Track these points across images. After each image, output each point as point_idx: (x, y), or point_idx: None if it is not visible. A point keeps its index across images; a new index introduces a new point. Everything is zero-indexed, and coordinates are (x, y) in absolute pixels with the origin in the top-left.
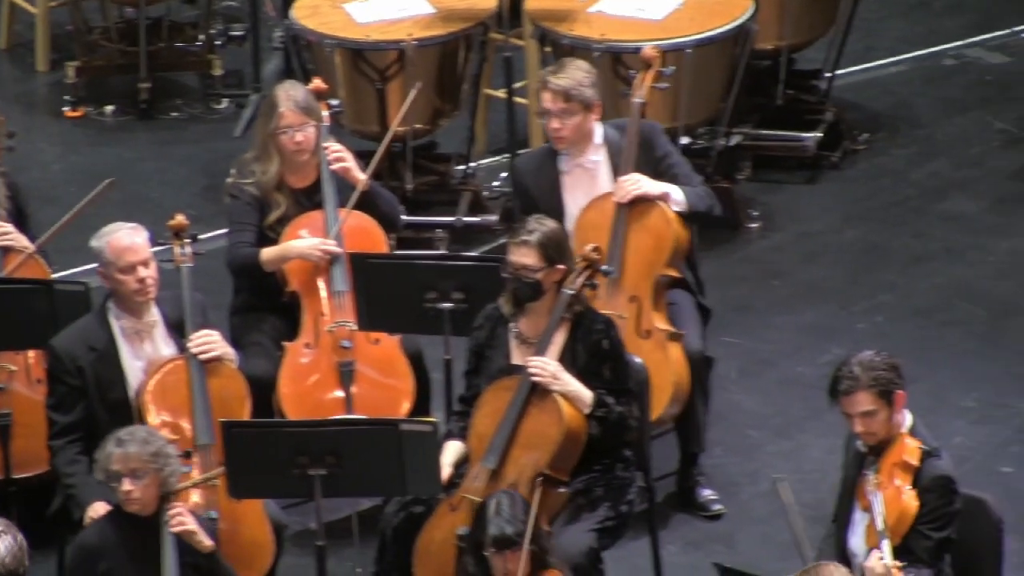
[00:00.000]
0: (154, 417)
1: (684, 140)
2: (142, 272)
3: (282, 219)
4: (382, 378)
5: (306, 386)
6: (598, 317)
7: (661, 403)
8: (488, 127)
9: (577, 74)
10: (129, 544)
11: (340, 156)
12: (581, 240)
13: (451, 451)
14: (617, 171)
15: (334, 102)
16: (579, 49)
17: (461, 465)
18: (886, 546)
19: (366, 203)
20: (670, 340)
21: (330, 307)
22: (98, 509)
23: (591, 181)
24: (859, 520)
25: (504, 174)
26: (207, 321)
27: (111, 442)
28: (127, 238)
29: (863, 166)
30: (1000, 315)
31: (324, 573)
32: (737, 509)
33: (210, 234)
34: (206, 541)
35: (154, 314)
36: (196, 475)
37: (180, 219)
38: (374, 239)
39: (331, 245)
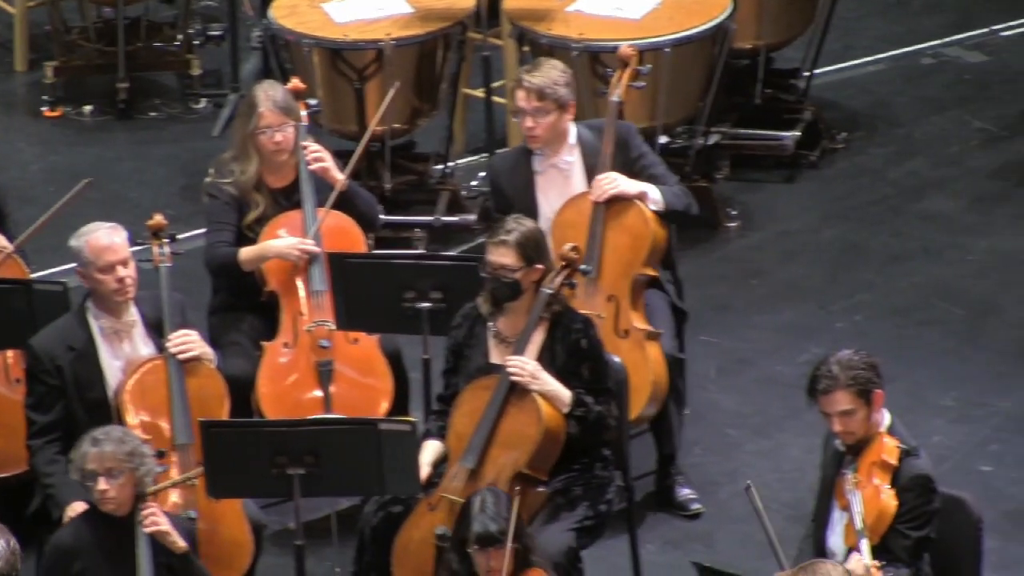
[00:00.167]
0: (133, 417)
1: (662, 139)
2: (121, 272)
3: (260, 219)
4: (361, 377)
5: (285, 386)
6: (577, 316)
7: (640, 402)
8: (466, 127)
9: (552, 73)
10: (104, 544)
11: (318, 156)
12: (559, 239)
13: (430, 450)
14: (591, 172)
15: (312, 102)
16: (557, 48)
17: (440, 464)
18: (865, 546)
19: (344, 203)
20: (648, 339)
21: (308, 307)
22: (77, 509)
23: (564, 181)
24: (838, 519)
25: (482, 173)
26: (186, 321)
27: (86, 441)
28: (106, 238)
29: (841, 165)
30: (978, 314)
31: (303, 572)
32: (716, 508)
33: (188, 234)
34: (179, 542)
35: (133, 314)
36: (173, 474)
37: (158, 219)
38: (352, 239)
39: (309, 245)
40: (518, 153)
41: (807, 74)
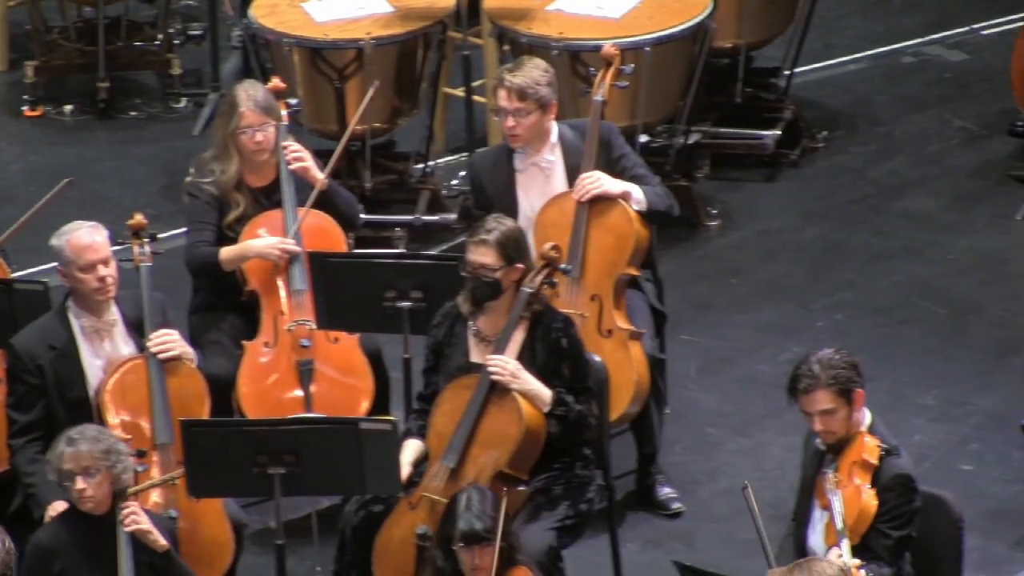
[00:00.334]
0: (113, 416)
1: (643, 138)
2: (102, 271)
3: (241, 218)
4: (341, 377)
5: (265, 385)
6: (557, 316)
7: (623, 402)
8: (447, 126)
9: (534, 73)
10: (83, 543)
11: (299, 155)
12: (541, 238)
13: (410, 450)
14: (572, 171)
15: (293, 101)
16: (538, 48)
17: (420, 464)
18: (845, 545)
19: (325, 202)
20: (631, 339)
21: (289, 306)
22: (58, 508)
23: (545, 180)
24: (818, 518)
25: (463, 172)
26: (166, 320)
27: (62, 442)
28: (87, 236)
29: (822, 164)
30: (959, 313)
31: (284, 572)
32: (697, 507)
33: (169, 233)
34: (161, 540)
35: (114, 313)
36: (154, 474)
37: (139, 218)
38: (333, 238)
39: (290, 244)
40: (499, 150)
41: (787, 73)
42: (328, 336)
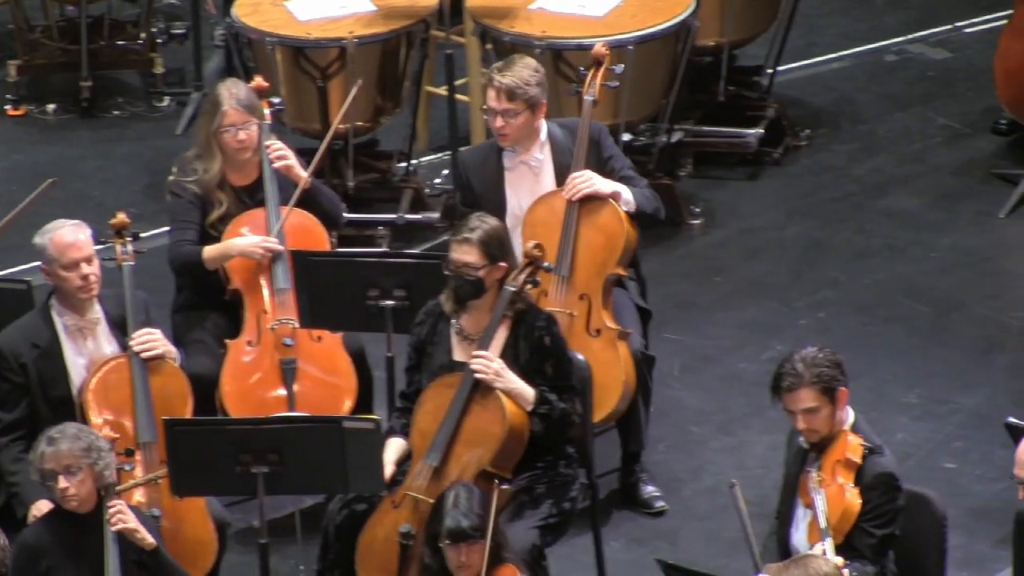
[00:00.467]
0: (96, 416)
1: (625, 137)
2: (85, 269)
3: (224, 217)
4: (324, 376)
5: (248, 384)
6: (540, 314)
7: (611, 401)
8: (429, 124)
9: (523, 72)
10: (69, 542)
11: (282, 154)
12: (529, 237)
13: (393, 448)
14: (561, 170)
15: (275, 100)
16: (520, 46)
17: (404, 462)
18: (828, 544)
19: (308, 201)
20: (619, 339)
21: (272, 305)
22: (41, 507)
23: (534, 179)
24: (802, 517)
25: (446, 171)
26: (149, 319)
27: (42, 442)
28: (70, 235)
29: (805, 162)
30: (942, 311)
31: (267, 571)
32: (680, 506)
33: (152, 232)
34: (148, 538)
35: (97, 311)
36: (138, 473)
37: (121, 217)
38: (316, 237)
39: (273, 243)
40: (488, 148)
41: (770, 71)
42: (311, 335)
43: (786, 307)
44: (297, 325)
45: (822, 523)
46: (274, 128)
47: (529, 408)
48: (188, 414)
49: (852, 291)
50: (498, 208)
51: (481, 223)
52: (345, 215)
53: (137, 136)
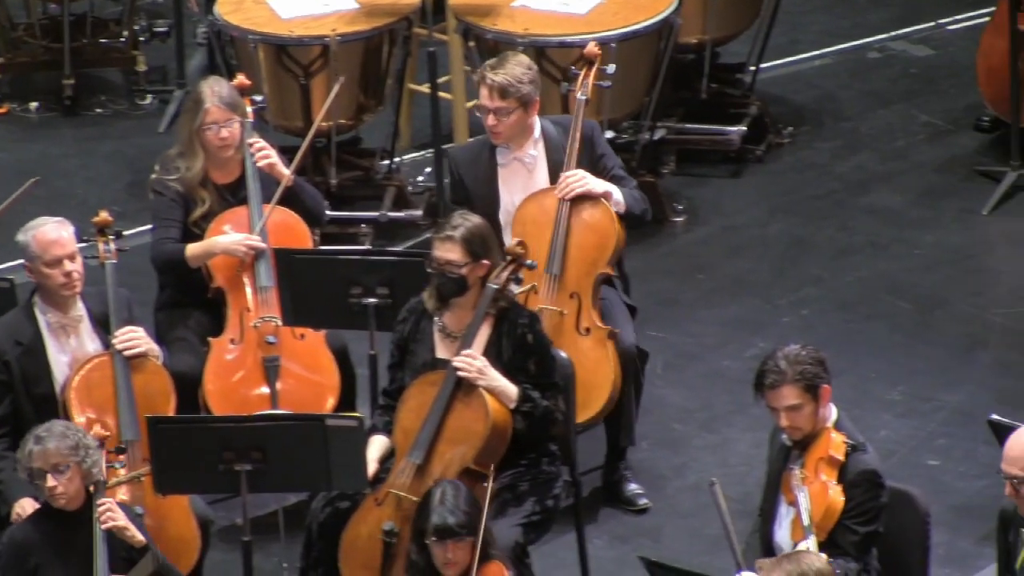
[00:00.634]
0: (79, 414)
1: (609, 134)
2: (68, 266)
3: (207, 215)
4: (307, 373)
5: (231, 382)
6: (522, 311)
7: (600, 400)
8: (412, 122)
9: (516, 70)
10: (58, 539)
11: (264, 152)
12: (519, 235)
13: (376, 446)
14: (554, 167)
15: (258, 98)
16: (503, 44)
17: (387, 460)
18: (812, 541)
19: (290, 198)
20: (608, 338)
21: (255, 302)
22: (25, 505)
23: (528, 175)
24: (785, 514)
25: (428, 169)
26: (132, 316)
27: (30, 440)
28: (53, 232)
29: (788, 159)
30: (925, 308)
31: (250, 568)
32: (663, 503)
33: (135, 230)
34: (138, 535)
35: (80, 309)
36: (120, 472)
37: (104, 216)
38: (298, 234)
39: (256, 241)
40: (480, 144)
41: (753, 69)
42: (294, 332)
43: (769, 304)
44: (280, 323)
45: (805, 520)
46: (256, 126)
47: (512, 406)
48: (171, 412)
49: (835, 288)
50: (491, 204)
51: (464, 221)
52: (328, 213)
53: (120, 134)
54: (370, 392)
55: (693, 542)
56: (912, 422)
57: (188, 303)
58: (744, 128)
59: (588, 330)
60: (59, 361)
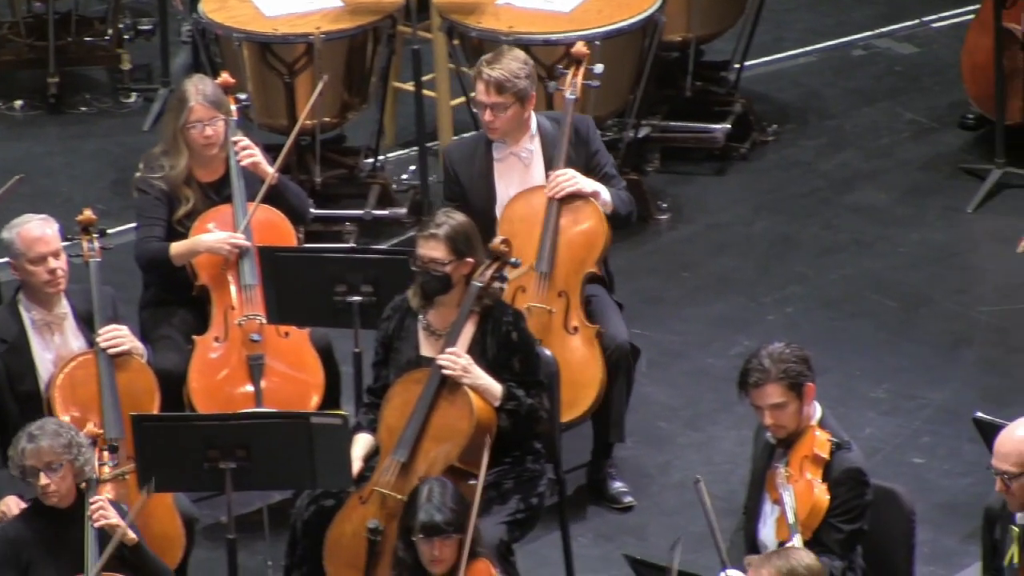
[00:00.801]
0: (63, 413)
1: None
2: (52, 263)
3: (191, 213)
4: (292, 371)
5: (216, 380)
6: (507, 309)
7: (588, 399)
8: (396, 120)
9: (512, 65)
10: (49, 537)
11: (249, 150)
12: (507, 233)
13: (361, 444)
14: (550, 162)
15: (242, 96)
16: (487, 42)
17: (371, 458)
18: (797, 540)
19: (274, 197)
20: (595, 337)
21: (239, 301)
22: (9, 503)
23: (524, 170)
24: (769, 512)
25: (413, 167)
26: (117, 315)
27: (23, 438)
28: (38, 229)
29: (772, 157)
30: (910, 306)
31: (235, 566)
32: (648, 501)
33: (119, 228)
34: (129, 533)
35: (64, 306)
36: (105, 470)
37: (88, 214)
38: (283, 233)
39: (240, 239)
40: (476, 140)
41: (737, 66)
42: (278, 331)
43: (753, 302)
44: (264, 321)
45: (790, 519)
46: (241, 124)
47: (496, 404)
48: (155, 410)
49: (819, 286)
50: (487, 200)
51: (448, 219)
52: (312, 211)
53: (104, 132)
54: (355, 390)
55: None
56: (897, 420)
57: (172, 301)
58: (729, 126)
59: (576, 329)
60: (44, 358)
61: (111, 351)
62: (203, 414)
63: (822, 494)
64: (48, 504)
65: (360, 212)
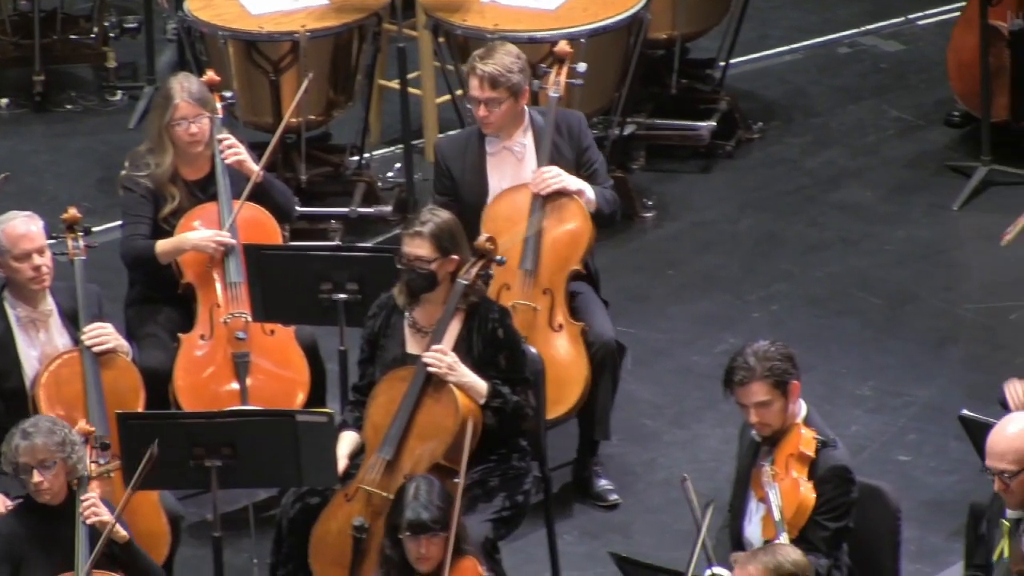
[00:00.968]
0: (47, 411)
1: None
2: (37, 260)
3: (176, 211)
4: (277, 369)
5: (201, 378)
6: (493, 306)
7: (573, 396)
8: (382, 118)
9: (505, 60)
10: (41, 533)
11: (234, 148)
12: (491, 230)
13: (346, 442)
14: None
15: (228, 94)
16: (472, 40)
17: (357, 456)
18: (783, 538)
19: (260, 194)
20: (580, 334)
21: (225, 298)
22: None
23: (517, 164)
24: (755, 510)
25: (398, 165)
26: (102, 313)
27: (17, 435)
28: (22, 226)
29: (758, 155)
30: (895, 304)
31: (220, 564)
32: (633, 499)
33: (105, 226)
34: (121, 531)
35: (49, 303)
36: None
37: (73, 212)
38: (268, 230)
39: (225, 236)
40: (469, 134)
41: (723, 64)
42: (264, 328)
43: (739, 300)
44: (250, 319)
45: (776, 517)
46: (226, 122)
47: (482, 401)
48: (140, 408)
49: (805, 284)
50: (479, 194)
51: (432, 216)
52: (298, 209)
53: (90, 130)
54: (340, 388)
55: (663, 538)
56: (882, 418)
57: (158, 299)
58: (714, 124)
59: (561, 326)
60: (29, 355)
61: (96, 349)
62: (188, 412)
63: (808, 492)
64: (40, 501)
65: (345, 210)
